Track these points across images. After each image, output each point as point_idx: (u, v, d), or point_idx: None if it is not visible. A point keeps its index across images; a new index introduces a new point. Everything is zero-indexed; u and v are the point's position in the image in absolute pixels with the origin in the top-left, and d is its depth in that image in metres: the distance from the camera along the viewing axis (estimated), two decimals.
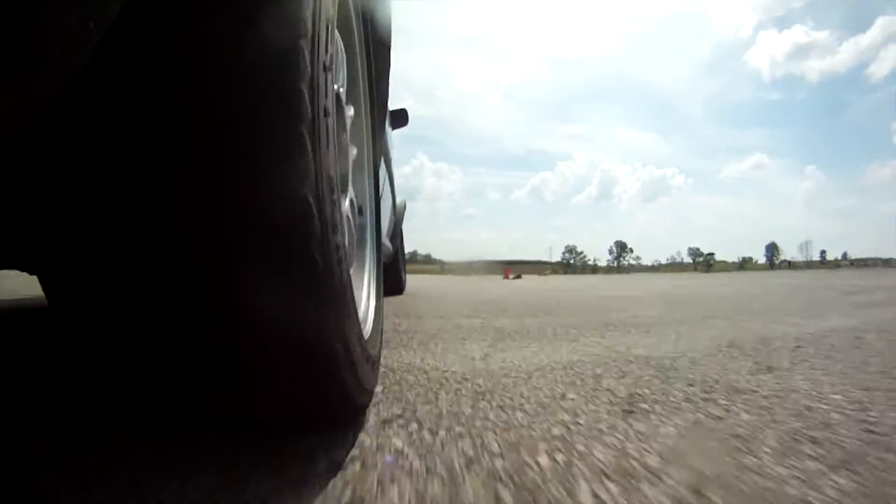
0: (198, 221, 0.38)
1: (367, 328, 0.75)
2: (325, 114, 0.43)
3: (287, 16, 0.36)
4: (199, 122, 0.35)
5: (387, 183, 2.18)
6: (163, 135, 0.35)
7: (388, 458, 0.55)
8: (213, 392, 0.48)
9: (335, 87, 0.61)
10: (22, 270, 0.54)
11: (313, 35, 0.39)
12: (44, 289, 0.45)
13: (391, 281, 3.84)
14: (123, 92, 0.33)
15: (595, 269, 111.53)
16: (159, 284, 0.40)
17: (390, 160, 2.36)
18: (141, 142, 0.35)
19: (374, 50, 0.98)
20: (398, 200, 3.18)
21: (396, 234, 3.42)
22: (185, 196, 0.37)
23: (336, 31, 0.71)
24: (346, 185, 0.80)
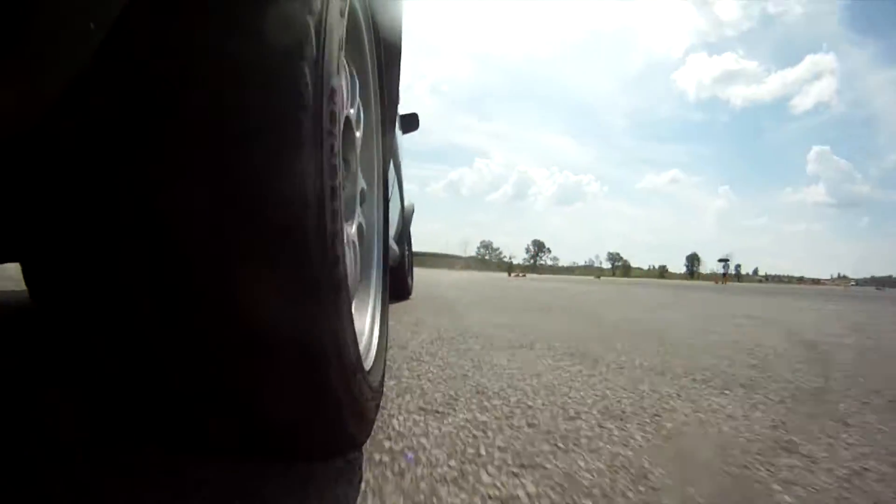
0: (195, 221, 0.37)
1: (370, 360, 0.73)
2: (331, 115, 0.43)
3: (291, 15, 0.36)
4: (198, 123, 0.34)
5: (396, 187, 2.18)
6: (162, 134, 0.34)
7: None
8: (207, 400, 0.47)
9: (342, 88, 0.61)
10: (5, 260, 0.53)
11: (318, 34, 0.39)
12: (30, 289, 0.44)
13: (397, 285, 3.85)
14: (123, 92, 0.33)
15: (511, 267, 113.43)
16: (154, 283, 0.39)
17: (400, 164, 2.36)
18: (140, 141, 0.34)
19: (384, 54, 0.98)
20: (406, 204, 3.18)
21: (404, 238, 3.42)
22: (184, 196, 0.36)
23: (343, 32, 0.70)
24: (353, 211, 0.79)
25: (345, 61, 0.71)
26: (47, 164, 0.35)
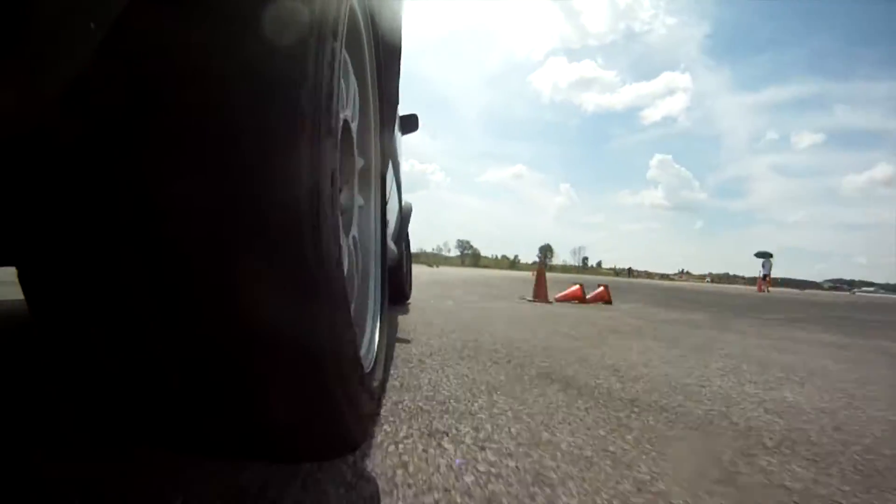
0: (194, 221, 0.37)
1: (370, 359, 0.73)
2: (329, 114, 0.43)
3: (291, 14, 0.36)
4: (197, 123, 0.34)
5: (394, 187, 2.18)
6: (161, 134, 0.34)
7: None
8: (205, 400, 0.47)
9: (341, 88, 0.61)
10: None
11: (318, 36, 0.39)
12: (26, 293, 0.43)
13: (395, 287, 3.84)
14: (123, 91, 0.33)
15: None
16: (151, 284, 0.39)
17: (398, 164, 2.36)
18: (138, 141, 0.34)
19: (383, 55, 0.98)
20: (404, 204, 3.17)
21: (402, 238, 3.41)
22: (182, 196, 0.36)
23: (344, 33, 0.70)
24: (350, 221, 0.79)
25: (347, 56, 0.72)
26: (44, 165, 0.35)
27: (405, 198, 3.11)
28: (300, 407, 0.47)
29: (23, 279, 0.43)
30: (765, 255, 22.05)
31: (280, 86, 0.36)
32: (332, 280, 0.43)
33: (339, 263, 0.45)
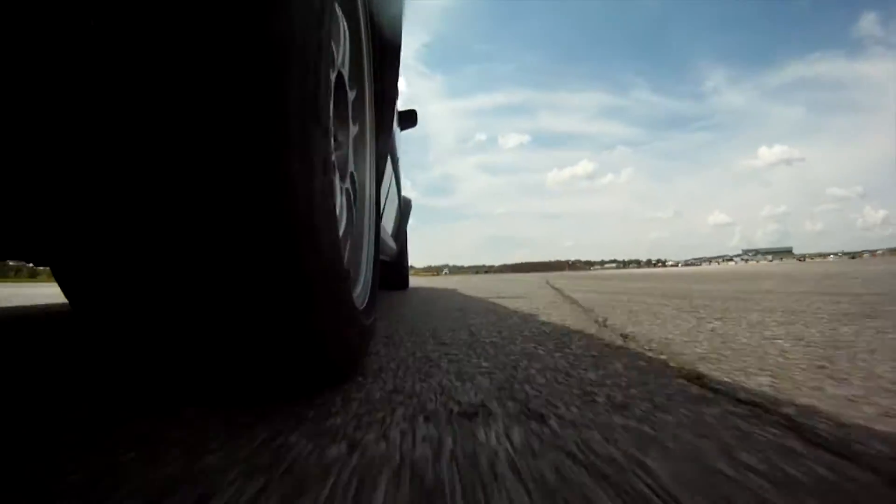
0: (195, 216, 0.38)
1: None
2: (322, 108, 0.44)
3: (290, 16, 0.37)
4: (196, 122, 0.35)
5: (393, 183, 2.18)
6: (161, 134, 0.35)
7: None
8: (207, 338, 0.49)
9: (334, 80, 0.62)
10: (27, 262, 0.55)
11: (315, 35, 0.40)
12: (60, 284, 0.46)
13: (395, 277, 3.84)
14: (123, 91, 0.34)
15: None
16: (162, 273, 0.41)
17: (397, 160, 2.36)
18: (138, 140, 0.35)
19: (382, 49, 0.99)
20: (403, 200, 3.17)
21: (401, 234, 3.42)
22: (182, 195, 0.38)
23: (341, 33, 0.72)
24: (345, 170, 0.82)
25: (344, 54, 0.73)
26: (45, 161, 0.37)
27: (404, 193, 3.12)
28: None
29: (57, 276, 0.46)
30: None
31: (280, 84, 0.37)
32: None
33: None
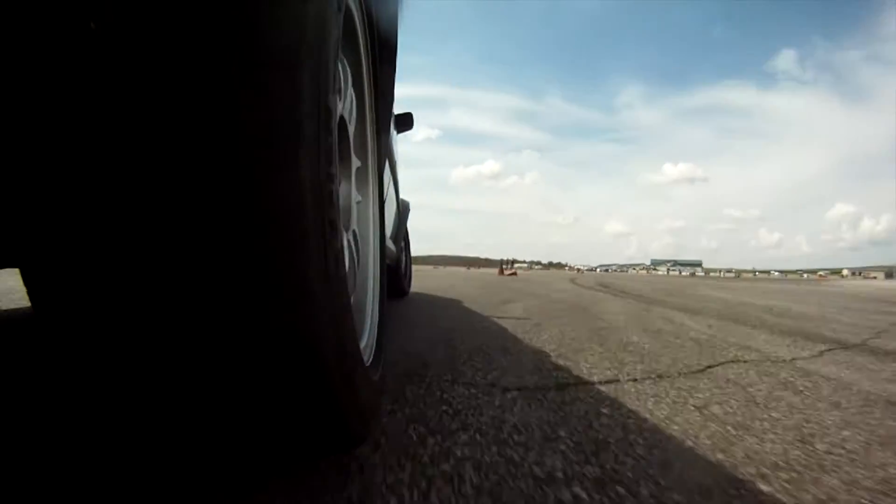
0: (195, 221, 0.37)
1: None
2: (327, 112, 0.43)
3: (289, 15, 0.36)
4: (196, 122, 0.34)
5: (391, 186, 2.18)
6: (161, 133, 0.34)
7: None
8: (206, 397, 0.47)
9: (338, 84, 0.61)
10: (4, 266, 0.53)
11: (314, 38, 0.39)
12: (31, 295, 0.43)
13: (395, 283, 3.85)
14: (122, 90, 0.33)
15: None
16: (153, 283, 0.39)
17: (395, 163, 2.36)
18: (138, 139, 0.34)
19: (379, 52, 0.98)
20: (402, 203, 3.17)
21: (400, 237, 3.42)
22: (183, 195, 0.36)
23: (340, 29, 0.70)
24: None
25: (342, 56, 0.71)
26: (44, 165, 0.35)
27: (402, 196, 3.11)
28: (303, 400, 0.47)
29: (26, 279, 0.43)
30: None
31: (279, 84, 0.36)
32: (334, 277, 0.43)
33: (341, 260, 0.45)
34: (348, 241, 0.76)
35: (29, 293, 0.43)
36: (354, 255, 0.81)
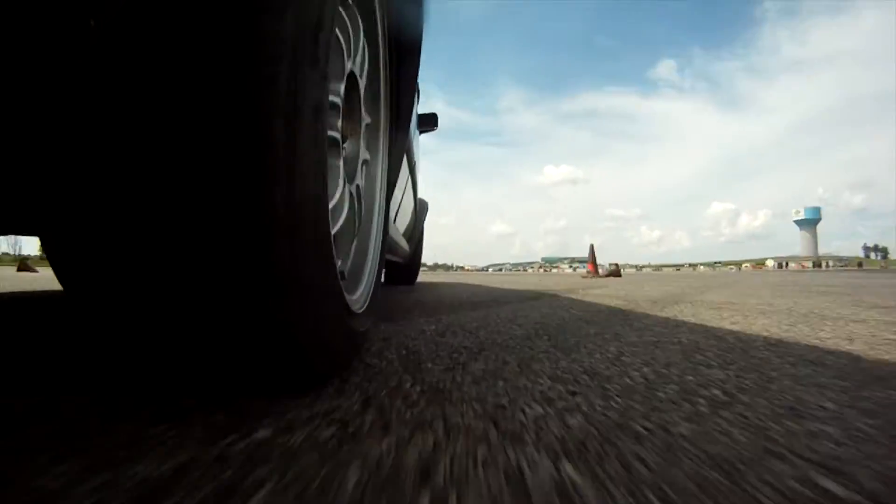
0: (194, 211, 0.38)
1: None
2: (315, 111, 0.43)
3: (289, 16, 0.36)
4: (195, 120, 0.35)
5: (409, 183, 2.17)
6: (161, 133, 0.35)
7: None
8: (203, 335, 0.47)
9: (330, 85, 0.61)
10: (27, 234, 0.55)
11: (317, 32, 0.39)
12: (48, 256, 0.46)
13: (406, 274, 3.90)
14: (122, 90, 0.33)
15: None
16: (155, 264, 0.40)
17: (415, 163, 2.35)
18: (138, 138, 0.35)
19: (400, 52, 0.97)
20: (419, 202, 3.17)
21: (415, 235, 3.42)
22: (182, 187, 0.37)
23: (337, 32, 0.70)
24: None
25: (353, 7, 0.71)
26: (58, 151, 0.36)
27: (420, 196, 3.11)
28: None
29: (46, 247, 0.45)
30: None
31: (276, 82, 0.36)
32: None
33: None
34: (350, 192, 0.77)
35: (48, 258, 0.45)
36: (356, 207, 0.82)
